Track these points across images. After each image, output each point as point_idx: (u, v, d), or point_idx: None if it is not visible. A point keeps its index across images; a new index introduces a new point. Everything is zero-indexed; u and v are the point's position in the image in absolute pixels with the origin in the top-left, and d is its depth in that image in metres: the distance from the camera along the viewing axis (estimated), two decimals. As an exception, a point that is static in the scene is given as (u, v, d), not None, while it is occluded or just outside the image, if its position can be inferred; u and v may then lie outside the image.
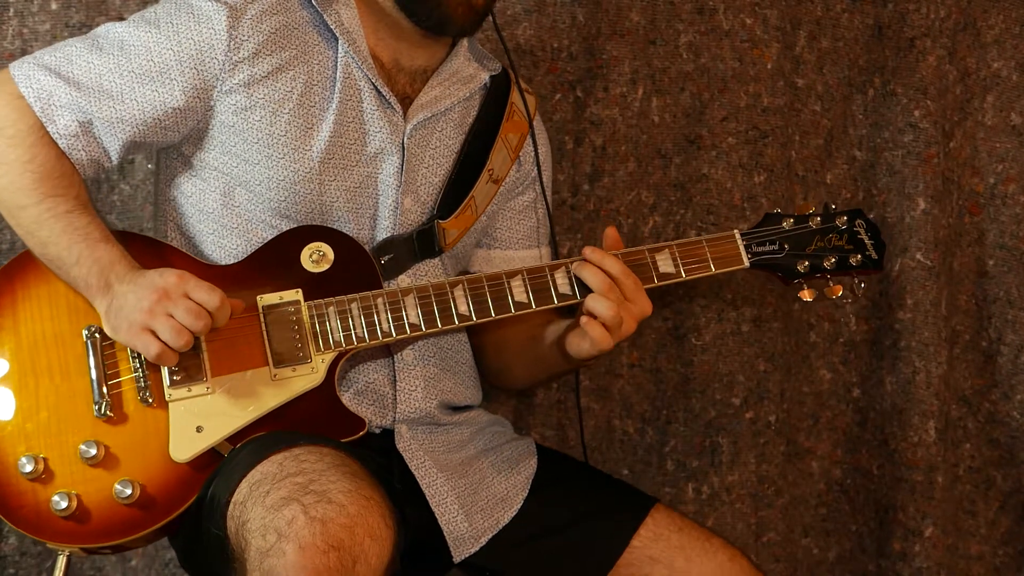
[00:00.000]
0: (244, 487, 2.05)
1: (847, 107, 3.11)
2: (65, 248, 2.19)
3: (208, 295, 2.13)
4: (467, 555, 2.35)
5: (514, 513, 2.39)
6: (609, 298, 2.28)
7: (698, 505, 3.07)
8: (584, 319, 2.28)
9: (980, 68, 3.13)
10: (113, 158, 2.27)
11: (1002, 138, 3.14)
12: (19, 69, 2.24)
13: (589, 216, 3.00)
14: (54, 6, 2.80)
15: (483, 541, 2.36)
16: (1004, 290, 3.16)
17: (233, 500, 2.06)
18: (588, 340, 2.30)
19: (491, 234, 2.55)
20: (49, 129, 2.21)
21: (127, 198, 2.87)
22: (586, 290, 2.32)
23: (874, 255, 2.44)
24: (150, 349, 2.13)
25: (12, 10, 2.79)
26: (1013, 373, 3.17)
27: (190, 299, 2.12)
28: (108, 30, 2.28)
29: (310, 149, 2.29)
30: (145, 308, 2.12)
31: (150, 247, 2.29)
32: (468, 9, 2.29)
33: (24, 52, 2.78)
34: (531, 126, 2.53)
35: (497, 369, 2.60)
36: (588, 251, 2.32)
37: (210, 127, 2.29)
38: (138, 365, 2.20)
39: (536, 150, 2.54)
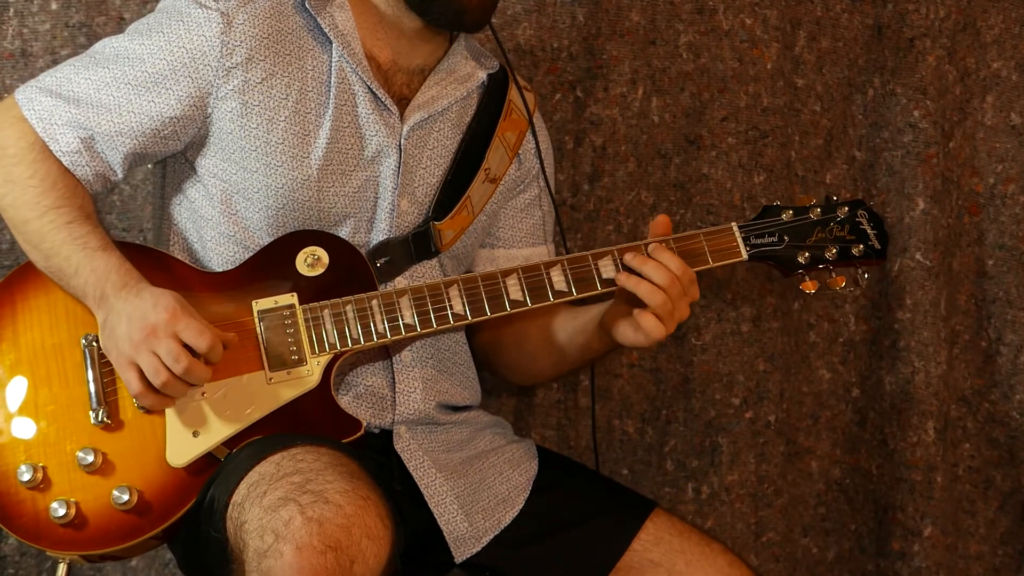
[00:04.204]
0: (243, 488, 2.06)
1: (847, 107, 3.10)
2: (64, 259, 2.21)
3: (197, 338, 2.12)
4: (468, 555, 2.35)
5: (515, 514, 2.40)
6: (670, 293, 2.28)
7: (698, 505, 3.07)
8: (637, 312, 2.29)
9: (980, 68, 3.12)
10: (118, 171, 2.29)
11: (1002, 138, 3.13)
12: (22, 94, 2.27)
13: (589, 216, 3.00)
14: (54, 6, 2.81)
15: (484, 541, 2.36)
16: (1004, 290, 3.16)
17: (232, 501, 2.06)
18: (642, 332, 2.30)
19: (494, 233, 2.55)
20: (52, 148, 2.24)
21: (127, 198, 2.88)
22: (584, 287, 2.32)
23: (877, 245, 2.42)
24: (131, 387, 2.15)
25: (12, 10, 2.79)
26: (1012, 373, 3.17)
27: (178, 339, 2.12)
28: (104, 45, 2.31)
29: (308, 156, 2.29)
30: (136, 340, 2.12)
31: (150, 257, 2.31)
32: (483, 0, 2.30)
33: (24, 52, 2.79)
34: (531, 123, 2.53)
35: (520, 364, 2.59)
36: (653, 248, 2.31)
37: (210, 134, 2.29)
38: (135, 372, 2.21)
39: (537, 146, 2.54)
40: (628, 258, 2.31)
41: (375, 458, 2.30)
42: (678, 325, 2.92)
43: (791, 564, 3.14)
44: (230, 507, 2.06)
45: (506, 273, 2.32)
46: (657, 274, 2.28)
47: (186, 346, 2.12)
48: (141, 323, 2.13)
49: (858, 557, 3.19)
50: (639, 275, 2.29)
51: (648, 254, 2.30)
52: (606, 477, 2.60)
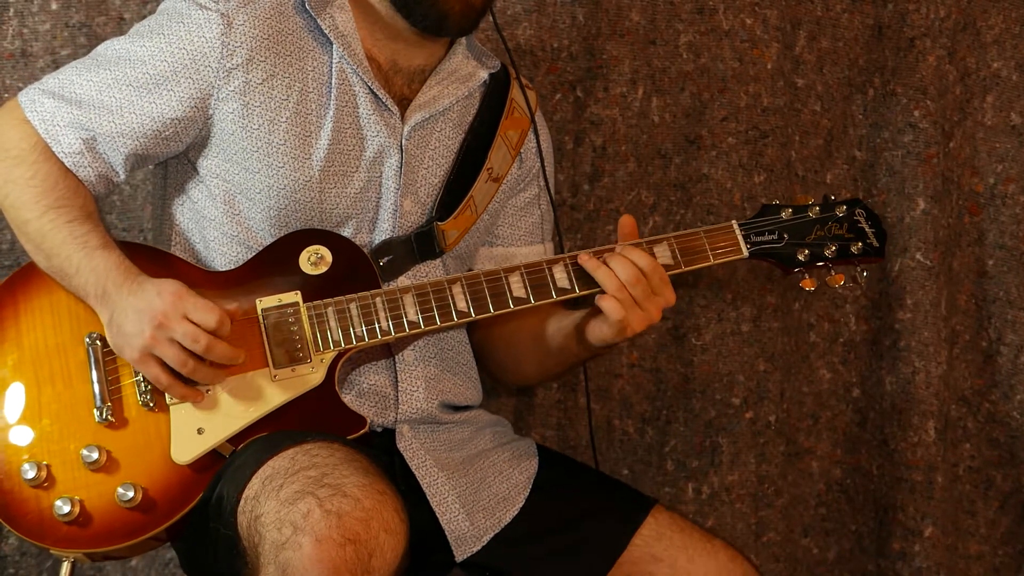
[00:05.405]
0: (256, 482, 2.06)
1: (847, 107, 3.11)
2: (65, 258, 2.21)
3: (206, 314, 2.13)
4: (469, 554, 2.35)
5: (516, 512, 2.40)
6: (634, 290, 2.28)
7: (698, 505, 3.07)
8: (598, 297, 2.29)
9: (980, 68, 3.13)
10: (120, 172, 2.30)
11: (1002, 138, 3.14)
12: (25, 96, 2.28)
13: (589, 216, 3.00)
14: (54, 6, 2.80)
15: (485, 540, 2.36)
16: (1004, 290, 3.16)
17: (244, 496, 2.06)
18: (604, 318, 2.29)
19: (494, 231, 2.55)
20: (54, 149, 2.24)
21: (127, 198, 2.88)
22: (586, 284, 2.33)
23: (875, 243, 2.43)
24: (159, 381, 2.16)
25: (12, 10, 2.79)
26: (1013, 373, 3.18)
27: (189, 320, 2.13)
28: (106, 47, 2.32)
29: (310, 157, 2.30)
30: (148, 332, 2.13)
31: (153, 255, 2.31)
32: (466, 6, 2.29)
33: (24, 52, 2.79)
34: (533, 121, 2.53)
35: (508, 364, 2.60)
36: (620, 247, 2.33)
37: (212, 135, 2.30)
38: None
39: (539, 145, 2.54)
40: (592, 255, 2.32)
41: (377, 457, 2.29)
42: (679, 326, 2.93)
43: (791, 564, 3.14)
44: (242, 502, 2.06)
45: (509, 270, 2.32)
46: (623, 270, 2.28)
47: None
48: (149, 313, 2.13)
49: (858, 557, 3.19)
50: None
51: (619, 252, 2.31)
52: (606, 475, 2.60)
